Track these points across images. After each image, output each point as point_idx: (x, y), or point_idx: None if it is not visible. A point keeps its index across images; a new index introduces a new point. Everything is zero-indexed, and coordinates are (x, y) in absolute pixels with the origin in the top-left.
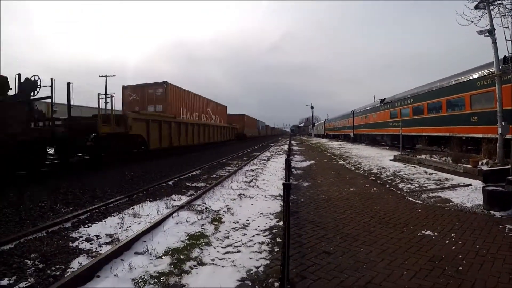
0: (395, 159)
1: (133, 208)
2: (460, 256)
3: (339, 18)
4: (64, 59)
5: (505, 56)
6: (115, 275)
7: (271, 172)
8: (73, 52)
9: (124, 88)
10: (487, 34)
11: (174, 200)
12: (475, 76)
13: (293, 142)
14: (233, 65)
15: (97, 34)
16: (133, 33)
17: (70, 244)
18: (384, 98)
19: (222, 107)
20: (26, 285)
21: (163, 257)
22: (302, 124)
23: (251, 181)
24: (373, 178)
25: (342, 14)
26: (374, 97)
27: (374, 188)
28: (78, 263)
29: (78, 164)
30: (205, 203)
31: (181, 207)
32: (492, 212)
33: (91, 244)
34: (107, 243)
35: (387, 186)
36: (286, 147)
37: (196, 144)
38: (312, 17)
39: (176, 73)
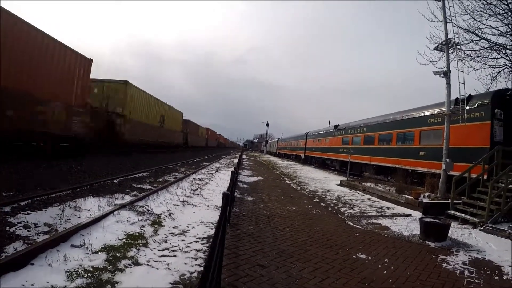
0: (342, 184)
1: (75, 201)
2: (390, 280)
3: (307, 40)
4: None
5: (457, 98)
6: (49, 264)
7: (217, 183)
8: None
9: None
10: (442, 75)
11: (117, 199)
12: (427, 113)
13: (244, 156)
14: (195, 71)
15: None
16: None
17: (8, 228)
18: (338, 124)
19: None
20: None
21: (99, 253)
22: (255, 140)
23: (197, 189)
24: (317, 200)
25: (311, 36)
26: (329, 122)
27: (317, 210)
28: (14, 249)
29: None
30: (147, 205)
31: (123, 206)
32: (427, 242)
33: (28, 231)
34: (45, 232)
35: (330, 209)
36: (236, 160)
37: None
38: (280, 36)
39: (140, 70)
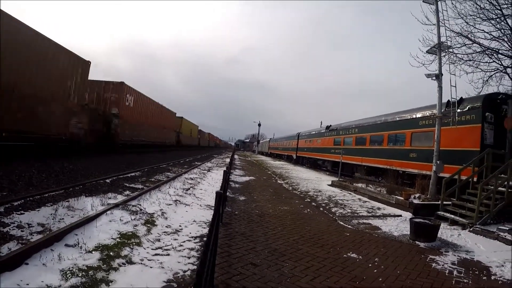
0: (333, 184)
1: (68, 201)
2: (380, 279)
3: (302, 42)
4: None
5: (448, 101)
6: (43, 264)
7: (209, 182)
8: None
9: None
10: (434, 78)
11: (110, 198)
12: (418, 115)
13: (236, 156)
14: (189, 71)
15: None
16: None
17: (1, 229)
18: (330, 125)
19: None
20: None
21: (93, 252)
22: (247, 140)
23: (189, 189)
24: (309, 200)
25: (305, 38)
26: (321, 122)
27: (308, 210)
28: (8, 249)
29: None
30: (140, 205)
31: (116, 206)
32: (417, 242)
33: (22, 231)
34: (39, 232)
35: (321, 209)
36: (228, 160)
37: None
38: (275, 37)
39: (134, 70)
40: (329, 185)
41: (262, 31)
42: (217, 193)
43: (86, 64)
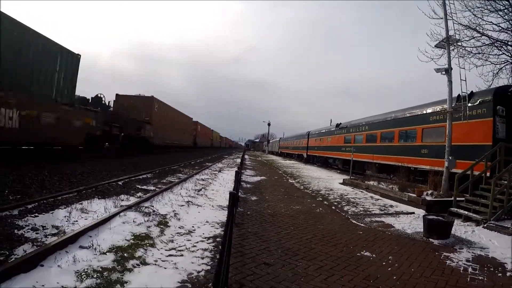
0: (344, 182)
1: (81, 203)
2: (394, 277)
3: (305, 39)
4: None
5: (458, 95)
6: (58, 265)
7: (221, 183)
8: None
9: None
10: (443, 72)
11: (122, 200)
12: (429, 110)
13: (246, 156)
14: (194, 72)
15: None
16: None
17: (16, 231)
18: (340, 123)
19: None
20: None
21: (107, 254)
22: (257, 140)
23: (201, 189)
24: (320, 199)
25: (308, 36)
26: (331, 120)
27: (320, 208)
28: (23, 251)
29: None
30: (153, 206)
31: (129, 207)
32: (431, 239)
33: (36, 233)
34: (53, 235)
35: (333, 207)
36: (239, 160)
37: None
38: (280, 36)
39: (138, 73)
40: (340, 183)
41: (266, 30)
42: (230, 193)
43: (76, 58)
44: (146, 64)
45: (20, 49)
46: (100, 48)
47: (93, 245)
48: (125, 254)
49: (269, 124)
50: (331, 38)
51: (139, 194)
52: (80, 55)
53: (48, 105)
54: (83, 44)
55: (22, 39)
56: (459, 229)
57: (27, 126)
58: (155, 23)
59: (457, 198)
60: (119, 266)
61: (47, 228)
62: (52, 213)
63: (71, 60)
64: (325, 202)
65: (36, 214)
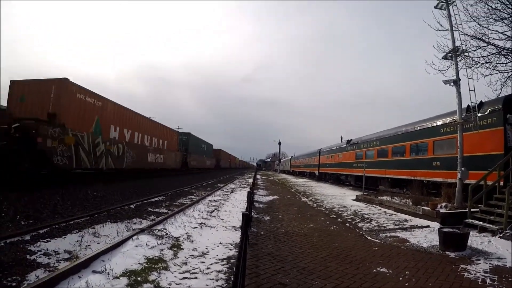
0: (357, 199)
1: (94, 228)
2: None
3: (312, 55)
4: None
5: (468, 105)
6: None
7: (233, 204)
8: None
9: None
10: (452, 84)
11: (135, 223)
12: (439, 123)
13: (258, 176)
14: (203, 92)
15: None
16: (108, 52)
17: (28, 256)
18: (351, 139)
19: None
20: None
21: (121, 278)
22: (269, 159)
23: (213, 211)
24: (334, 216)
25: (318, 50)
26: (341, 137)
27: (334, 226)
28: (35, 276)
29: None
30: (165, 229)
31: (141, 231)
32: (447, 252)
33: (49, 258)
34: (65, 259)
35: (347, 224)
36: (251, 180)
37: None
38: (286, 52)
39: (148, 95)
40: (353, 199)
41: (274, 48)
42: (243, 214)
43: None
44: (157, 87)
45: None
46: (107, 69)
47: (106, 269)
48: (139, 278)
49: (279, 143)
50: (342, 51)
51: (152, 217)
52: None
53: None
54: (90, 66)
55: None
56: (475, 240)
57: None
58: (165, 47)
59: (472, 209)
60: None
61: (60, 253)
62: (65, 237)
63: None
64: (339, 219)
65: (48, 239)
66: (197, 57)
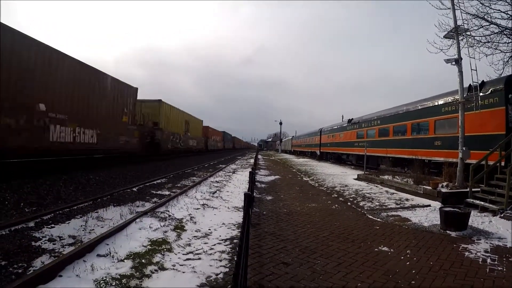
0: (359, 178)
1: (97, 212)
2: (413, 271)
3: (311, 36)
4: None
5: (470, 85)
6: (77, 275)
7: (235, 184)
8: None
9: None
10: (453, 63)
11: (138, 206)
12: (440, 102)
13: (259, 156)
14: (204, 76)
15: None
16: (105, 35)
17: (33, 243)
18: (352, 119)
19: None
20: None
21: (125, 260)
22: (270, 139)
23: (215, 192)
24: (336, 196)
25: (314, 33)
26: (342, 116)
27: (336, 205)
28: (41, 262)
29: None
30: (168, 211)
31: (144, 213)
32: (448, 231)
33: (54, 244)
34: (70, 244)
35: (349, 203)
36: (252, 161)
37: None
38: (285, 33)
39: (147, 78)
40: (355, 179)
41: (277, 30)
42: (245, 194)
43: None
44: (156, 70)
45: None
46: (105, 53)
47: (110, 252)
48: (143, 260)
49: (280, 123)
50: (344, 36)
51: (155, 199)
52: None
53: None
54: (88, 48)
55: None
56: (476, 220)
57: None
58: (163, 28)
59: (473, 189)
60: (138, 273)
61: (64, 239)
62: (68, 223)
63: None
64: (341, 199)
65: (53, 225)
66: (196, 40)
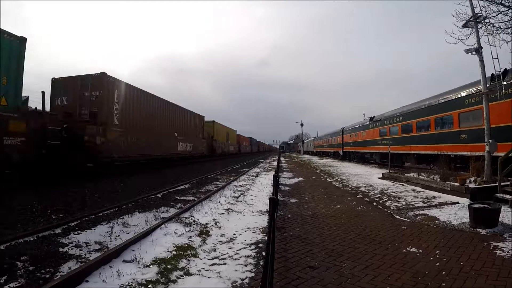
0: (384, 177)
1: (122, 218)
2: (443, 272)
3: (327, 31)
4: (50, 65)
5: (492, 74)
6: (103, 280)
7: (259, 188)
8: (62, 59)
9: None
10: (474, 52)
11: (162, 212)
12: (463, 94)
13: (282, 159)
14: (221, 80)
15: (88, 43)
16: (122, 45)
17: (60, 249)
18: (374, 116)
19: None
20: (16, 285)
21: (151, 266)
22: (292, 141)
23: (239, 196)
24: (361, 196)
25: (330, 28)
26: (364, 114)
27: (361, 206)
28: (68, 268)
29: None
30: (193, 216)
31: (169, 219)
32: (478, 229)
33: (80, 250)
34: (96, 250)
35: (374, 204)
36: (275, 163)
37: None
38: (299, 31)
39: (165, 85)
40: (379, 178)
41: (291, 29)
42: (270, 199)
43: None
44: (174, 77)
45: None
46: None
47: (136, 258)
48: (169, 266)
49: (302, 124)
50: (363, 30)
51: (179, 205)
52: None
53: None
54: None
55: None
56: (507, 216)
57: None
58: (179, 37)
59: (502, 183)
60: (163, 278)
61: (90, 245)
62: (95, 229)
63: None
64: (366, 199)
65: (79, 232)
66: (212, 46)
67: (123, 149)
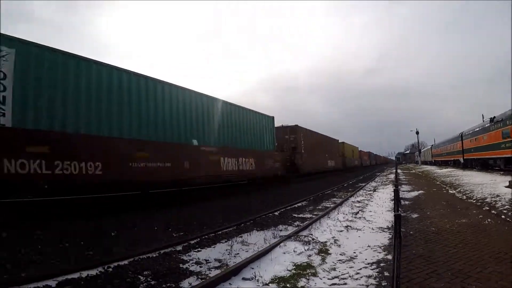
0: (511, 185)
1: (241, 236)
2: None
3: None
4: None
5: None
6: None
7: (378, 203)
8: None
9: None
10: None
11: (281, 230)
12: None
13: (399, 171)
14: (329, 92)
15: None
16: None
17: (181, 265)
18: (494, 117)
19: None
20: None
21: (270, 284)
22: (407, 151)
23: (358, 212)
24: (487, 208)
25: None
26: (482, 116)
27: (488, 219)
28: (188, 283)
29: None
30: (311, 234)
31: (288, 237)
32: None
33: (200, 267)
34: (216, 268)
35: (503, 216)
36: (392, 176)
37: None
38: (401, 32)
39: (270, 102)
40: (506, 186)
41: (389, 34)
42: (395, 215)
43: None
44: (282, 94)
45: None
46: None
47: (255, 276)
48: (288, 285)
49: (417, 132)
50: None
51: (297, 222)
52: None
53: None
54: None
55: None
56: None
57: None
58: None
59: None
60: None
61: (210, 262)
62: (214, 247)
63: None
64: (493, 211)
65: (199, 249)
66: (316, 59)
67: (307, 166)
